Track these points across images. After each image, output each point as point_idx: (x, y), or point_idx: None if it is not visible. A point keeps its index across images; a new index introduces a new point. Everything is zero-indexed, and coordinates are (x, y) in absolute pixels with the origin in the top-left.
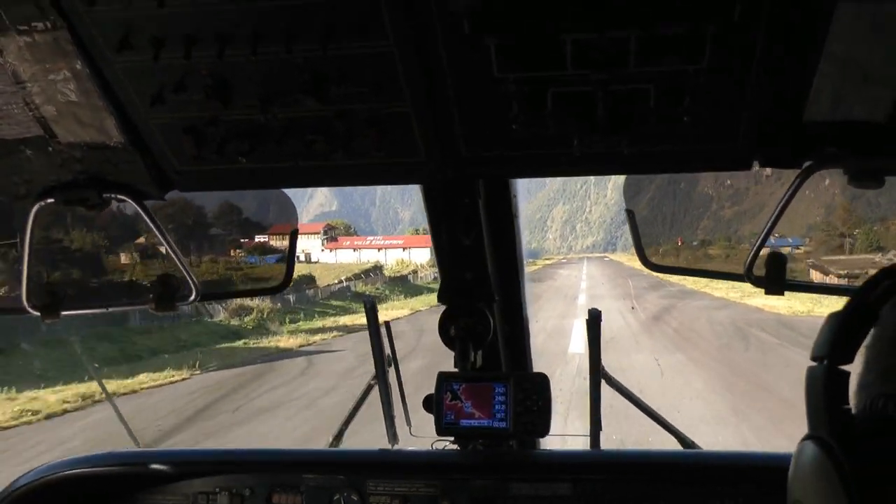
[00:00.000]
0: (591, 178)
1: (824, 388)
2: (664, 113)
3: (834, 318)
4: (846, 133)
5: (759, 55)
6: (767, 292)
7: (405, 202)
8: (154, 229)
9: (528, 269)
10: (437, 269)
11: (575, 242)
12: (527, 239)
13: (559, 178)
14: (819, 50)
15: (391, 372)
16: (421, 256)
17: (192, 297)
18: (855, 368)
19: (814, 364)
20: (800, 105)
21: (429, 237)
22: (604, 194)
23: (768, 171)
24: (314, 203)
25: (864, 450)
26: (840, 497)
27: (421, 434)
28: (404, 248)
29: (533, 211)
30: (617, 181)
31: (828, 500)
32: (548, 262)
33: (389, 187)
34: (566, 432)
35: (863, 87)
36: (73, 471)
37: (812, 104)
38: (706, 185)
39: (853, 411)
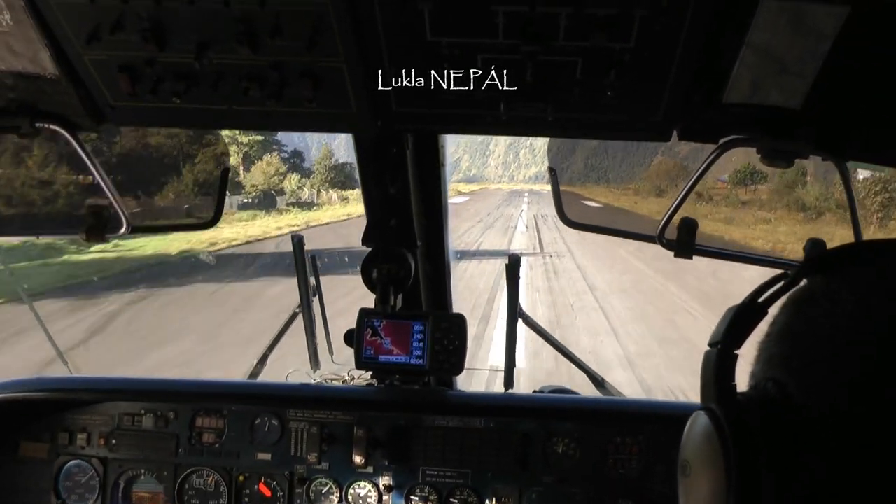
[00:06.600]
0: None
1: (715, 367)
2: (589, 85)
3: (730, 311)
4: (762, 115)
5: (684, 39)
6: (676, 255)
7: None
8: (86, 160)
9: None
10: None
11: (517, 172)
12: (466, 164)
13: None
14: (741, 39)
15: (315, 302)
16: None
17: (123, 230)
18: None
19: (709, 349)
20: (720, 87)
21: None
22: None
23: None
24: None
25: (744, 419)
26: (719, 458)
27: (341, 362)
28: None
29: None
30: None
31: (710, 461)
32: None
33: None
34: None
35: (780, 77)
36: (2, 395)
37: (732, 87)
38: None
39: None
